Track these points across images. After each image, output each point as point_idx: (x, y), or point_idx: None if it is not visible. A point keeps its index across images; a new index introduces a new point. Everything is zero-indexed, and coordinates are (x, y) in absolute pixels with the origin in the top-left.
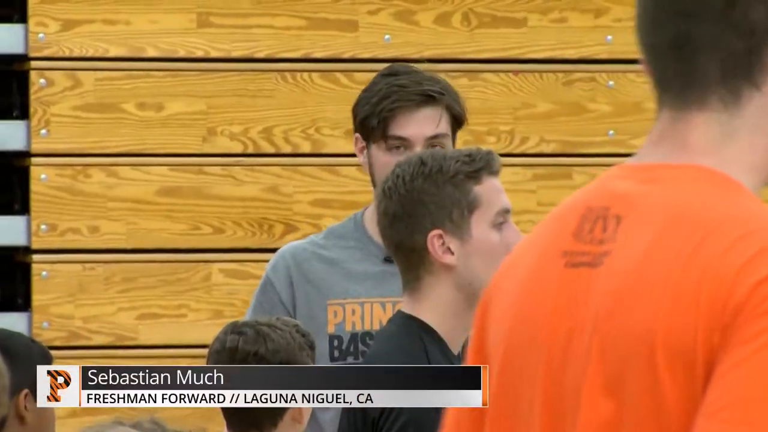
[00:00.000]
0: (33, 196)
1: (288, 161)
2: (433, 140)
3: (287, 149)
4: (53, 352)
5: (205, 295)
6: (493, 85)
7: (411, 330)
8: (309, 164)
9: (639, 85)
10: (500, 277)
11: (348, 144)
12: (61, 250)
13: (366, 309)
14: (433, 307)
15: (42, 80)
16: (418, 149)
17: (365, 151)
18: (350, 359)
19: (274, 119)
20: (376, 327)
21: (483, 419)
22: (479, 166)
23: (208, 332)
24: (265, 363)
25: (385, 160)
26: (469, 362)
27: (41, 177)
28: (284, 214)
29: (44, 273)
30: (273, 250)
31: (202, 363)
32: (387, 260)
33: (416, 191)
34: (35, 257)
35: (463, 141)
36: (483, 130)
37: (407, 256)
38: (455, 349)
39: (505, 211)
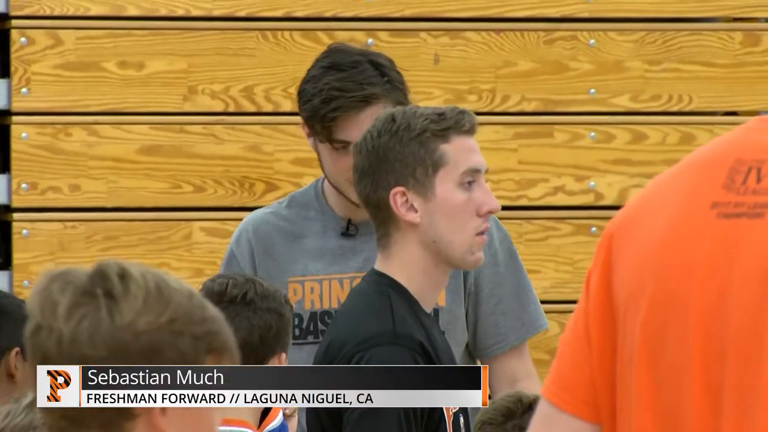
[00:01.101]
0: (13, 155)
1: (269, 120)
2: None
3: (268, 108)
4: None
5: (186, 254)
6: (474, 43)
7: (380, 287)
8: (290, 123)
9: (620, 44)
10: (627, 224)
11: None
12: (42, 209)
13: (324, 287)
14: (402, 265)
15: (23, 39)
16: None
17: (312, 138)
18: (311, 338)
19: (255, 78)
20: (335, 305)
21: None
22: (447, 125)
23: None
24: (253, 307)
25: (332, 158)
26: (594, 307)
27: (22, 135)
28: (265, 172)
29: (25, 231)
30: (254, 209)
31: None
32: (344, 234)
33: (382, 148)
34: (16, 216)
35: (444, 100)
36: (464, 88)
37: (374, 212)
38: (427, 307)
39: (474, 171)
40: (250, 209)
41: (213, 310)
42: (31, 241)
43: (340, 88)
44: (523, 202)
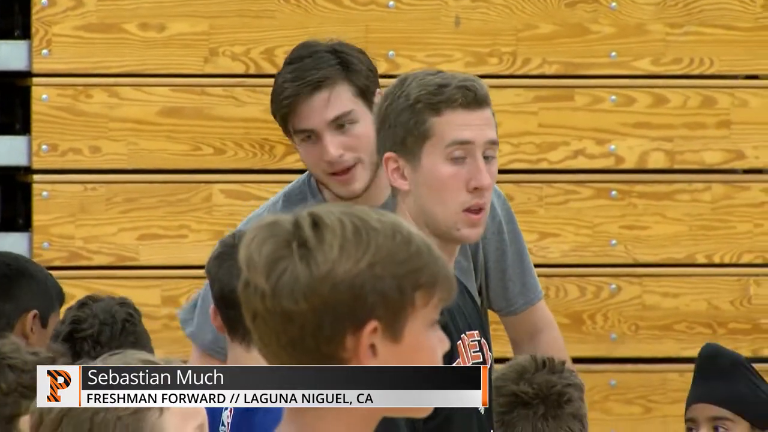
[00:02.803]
0: (34, 116)
1: None
2: (338, 121)
3: None
4: (54, 273)
5: (206, 216)
6: (495, 6)
7: None
8: None
9: (641, 7)
10: None
11: None
12: (62, 171)
13: None
14: None
15: (44, 0)
16: (329, 135)
17: (290, 138)
18: None
19: (276, 40)
20: None
21: None
22: (440, 99)
23: (209, 253)
24: None
25: (305, 151)
26: None
27: (42, 97)
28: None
29: (45, 193)
30: (274, 171)
31: (201, 283)
32: None
33: (382, 112)
34: (36, 177)
35: (465, 62)
36: (485, 51)
37: (382, 173)
38: None
39: (461, 143)
40: (271, 172)
41: (420, 244)
42: (52, 203)
43: (292, 78)
44: (544, 165)
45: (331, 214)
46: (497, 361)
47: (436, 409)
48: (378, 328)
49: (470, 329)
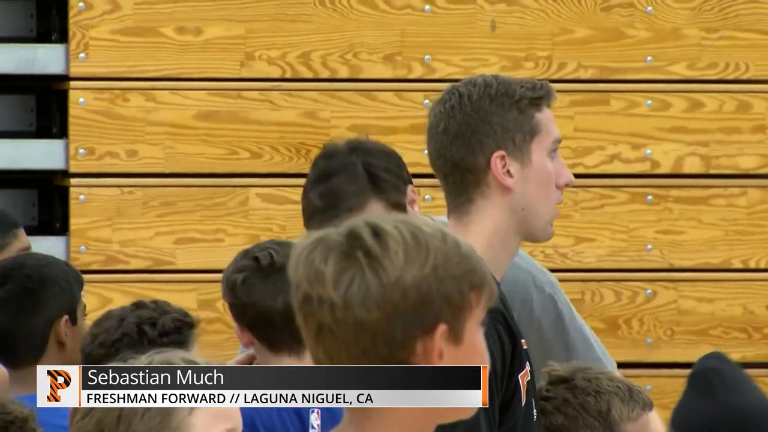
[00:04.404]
0: (71, 120)
1: (325, 86)
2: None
3: (325, 74)
4: (91, 276)
5: (242, 220)
6: (531, 10)
7: None
8: (346, 89)
9: (677, 12)
10: None
11: (385, 69)
12: (99, 174)
13: None
14: (481, 232)
15: (81, 4)
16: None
17: None
18: None
19: (312, 44)
20: None
21: None
22: (541, 93)
23: None
24: None
25: None
26: None
27: (79, 101)
28: (321, 138)
29: (82, 197)
30: None
31: None
32: None
33: (483, 111)
34: (73, 181)
35: (500, 67)
36: (521, 55)
37: (463, 176)
38: (498, 275)
39: (558, 141)
40: (306, 176)
41: (465, 246)
42: (88, 207)
43: (323, 208)
44: (579, 170)
45: (387, 223)
46: None
47: (503, 418)
48: (445, 331)
49: (522, 337)
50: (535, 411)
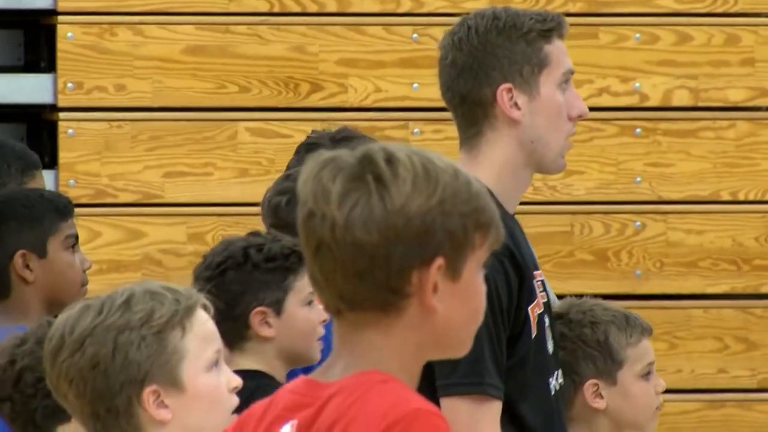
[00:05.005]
0: (59, 55)
1: (314, 20)
2: None
3: (313, 8)
4: (80, 210)
5: (231, 154)
6: None
7: None
8: (335, 23)
9: None
10: None
11: (374, 3)
12: (88, 108)
13: None
14: (491, 165)
15: None
16: None
17: None
18: None
19: None
20: None
21: None
22: (551, 26)
23: (234, 190)
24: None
25: None
26: None
27: (67, 35)
28: (310, 73)
29: (71, 131)
30: (299, 110)
31: (226, 221)
32: None
33: (490, 44)
34: (62, 115)
35: (489, 0)
36: None
37: (471, 109)
38: (510, 209)
39: (570, 73)
40: (295, 110)
41: (477, 185)
42: (77, 141)
43: None
44: None
45: (401, 151)
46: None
47: (512, 350)
48: (443, 266)
49: (536, 269)
50: (550, 343)
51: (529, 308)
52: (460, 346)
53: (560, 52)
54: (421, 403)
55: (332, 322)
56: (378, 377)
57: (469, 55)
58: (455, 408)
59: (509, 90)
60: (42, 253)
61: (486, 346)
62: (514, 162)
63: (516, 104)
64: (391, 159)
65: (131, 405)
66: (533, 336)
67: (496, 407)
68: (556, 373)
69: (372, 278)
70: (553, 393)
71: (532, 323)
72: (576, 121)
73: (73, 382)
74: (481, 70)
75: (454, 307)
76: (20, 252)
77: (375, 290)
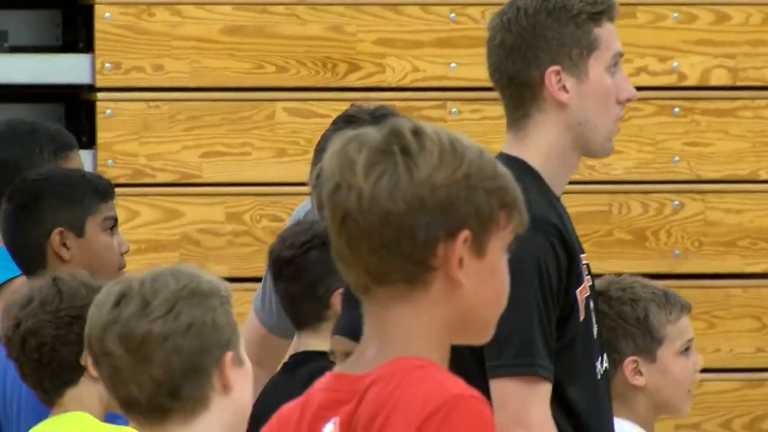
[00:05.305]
0: (97, 35)
1: (351, 0)
2: None
3: None
4: (118, 190)
5: (268, 134)
6: None
7: (511, 170)
8: (372, 3)
9: None
10: None
11: None
12: (125, 89)
13: None
14: (538, 147)
15: None
16: None
17: None
18: None
19: None
20: None
21: None
22: (601, 8)
23: (272, 170)
24: None
25: None
26: None
27: (105, 15)
28: (347, 53)
29: (108, 111)
30: (336, 89)
31: (264, 200)
32: None
33: (539, 25)
34: (100, 95)
35: None
36: None
37: (519, 90)
38: (557, 191)
39: (620, 55)
40: (333, 89)
41: (503, 168)
42: (115, 121)
43: None
44: None
45: (428, 126)
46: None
47: (561, 333)
48: (468, 239)
49: (582, 252)
50: (595, 327)
51: (577, 291)
52: (485, 329)
53: (610, 34)
54: (461, 387)
55: (362, 306)
56: (414, 363)
57: (517, 36)
58: (505, 389)
59: (557, 72)
60: (80, 233)
61: (536, 328)
62: (561, 145)
63: (564, 87)
64: (418, 132)
65: (210, 369)
66: (581, 319)
67: (546, 389)
68: (601, 357)
69: (398, 250)
70: (599, 377)
71: (580, 306)
72: (624, 104)
73: (159, 343)
74: (529, 52)
75: (478, 284)
76: (58, 229)
77: (401, 262)
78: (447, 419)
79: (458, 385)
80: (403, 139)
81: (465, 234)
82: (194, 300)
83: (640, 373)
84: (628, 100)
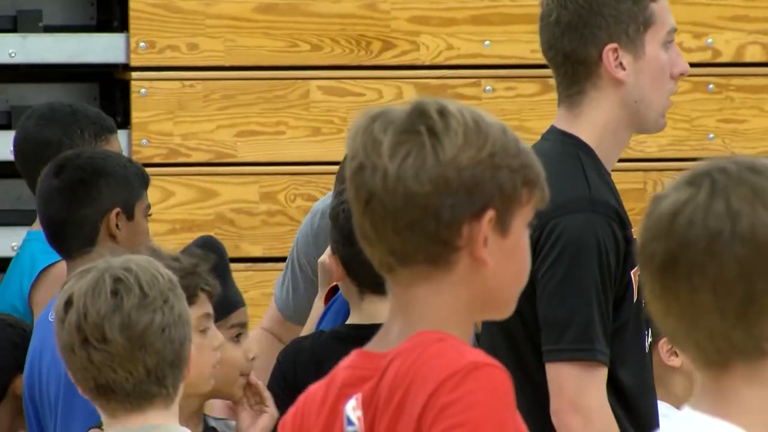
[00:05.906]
0: (132, 14)
1: None
2: None
3: None
4: (153, 170)
5: (303, 112)
6: None
7: (568, 147)
8: None
9: None
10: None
11: None
12: (160, 68)
13: None
14: (593, 124)
15: None
16: None
17: None
18: None
19: None
20: None
21: None
22: None
23: (306, 149)
24: None
25: None
26: None
27: None
28: (382, 30)
29: (143, 91)
30: (370, 68)
31: (298, 180)
32: None
33: (596, 2)
34: (134, 75)
35: None
36: None
37: (575, 68)
38: (609, 167)
39: (674, 31)
40: (367, 68)
41: (525, 144)
42: (150, 100)
43: None
44: None
45: (452, 105)
46: None
47: (616, 314)
48: (493, 218)
49: (631, 227)
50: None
51: (632, 272)
52: (507, 305)
53: (664, 10)
54: (479, 356)
55: (387, 286)
56: (434, 336)
57: (574, 13)
58: (563, 374)
59: (615, 50)
60: (130, 215)
61: (596, 311)
62: (616, 122)
63: (621, 64)
64: (443, 111)
65: (186, 359)
66: (635, 300)
67: (602, 373)
68: (646, 333)
69: (423, 230)
70: (646, 357)
71: (633, 287)
72: (678, 79)
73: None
74: (586, 29)
75: (502, 262)
76: (116, 209)
77: (425, 242)
78: (460, 384)
79: (476, 353)
80: (429, 119)
81: (490, 214)
82: (177, 291)
83: (675, 354)
84: (682, 75)
